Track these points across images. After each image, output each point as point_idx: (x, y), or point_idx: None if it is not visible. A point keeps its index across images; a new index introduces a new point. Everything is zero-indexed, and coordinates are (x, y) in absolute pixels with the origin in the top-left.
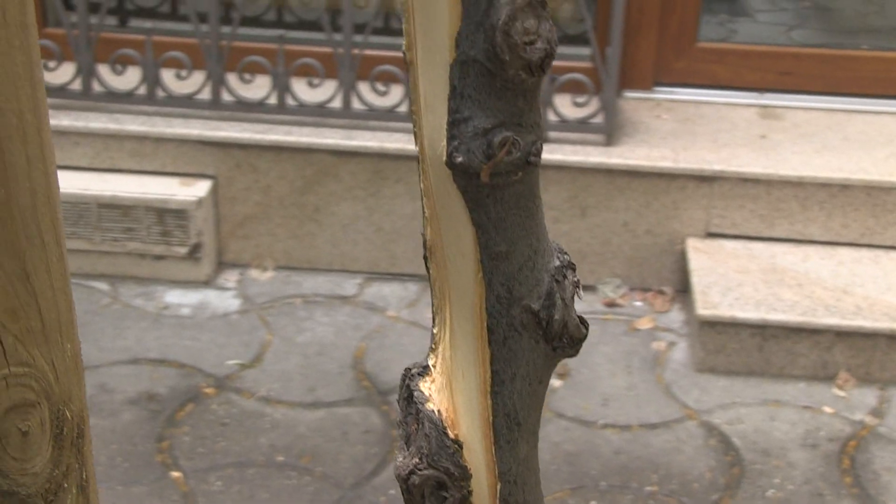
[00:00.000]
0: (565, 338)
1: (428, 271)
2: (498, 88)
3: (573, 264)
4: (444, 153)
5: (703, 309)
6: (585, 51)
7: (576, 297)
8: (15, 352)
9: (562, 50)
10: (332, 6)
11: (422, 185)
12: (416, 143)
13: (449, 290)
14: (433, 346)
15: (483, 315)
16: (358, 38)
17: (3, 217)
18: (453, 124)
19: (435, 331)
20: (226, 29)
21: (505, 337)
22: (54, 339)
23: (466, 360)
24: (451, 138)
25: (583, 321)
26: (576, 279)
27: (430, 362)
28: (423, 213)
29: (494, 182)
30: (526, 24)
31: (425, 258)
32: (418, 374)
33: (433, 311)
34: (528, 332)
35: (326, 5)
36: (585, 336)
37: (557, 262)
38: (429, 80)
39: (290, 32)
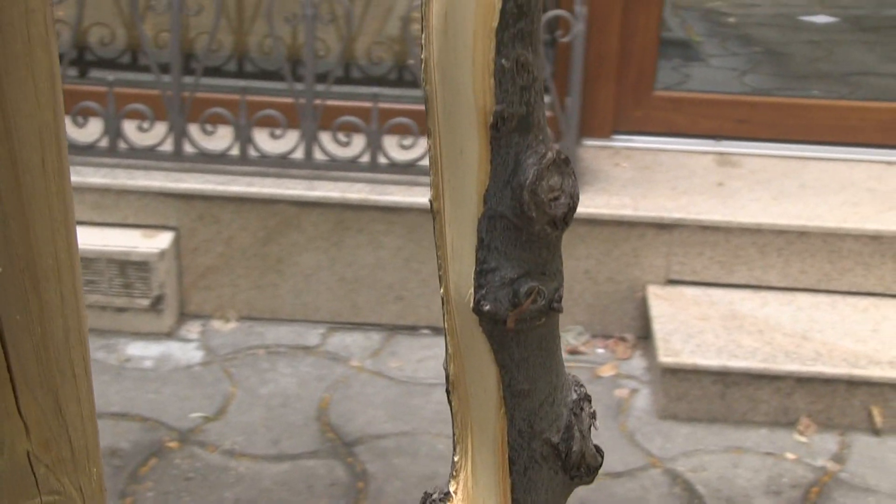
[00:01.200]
0: (583, 467)
1: (450, 403)
2: (524, 241)
3: (589, 396)
4: (472, 300)
5: (665, 356)
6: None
7: (592, 429)
8: (47, 481)
9: None
10: (292, 56)
11: (446, 325)
12: (441, 286)
13: (471, 423)
14: (454, 473)
15: (505, 447)
16: (320, 87)
17: (39, 355)
18: (481, 274)
19: (456, 459)
20: (188, 79)
21: (525, 468)
22: (82, 465)
23: (488, 489)
24: (478, 287)
25: (598, 450)
26: (592, 411)
27: (451, 489)
28: (447, 349)
29: (519, 327)
30: (551, 182)
31: (448, 391)
32: (439, 500)
33: (454, 440)
34: (548, 464)
35: (287, 55)
36: (601, 464)
37: (575, 396)
38: (456, 230)
39: (251, 83)
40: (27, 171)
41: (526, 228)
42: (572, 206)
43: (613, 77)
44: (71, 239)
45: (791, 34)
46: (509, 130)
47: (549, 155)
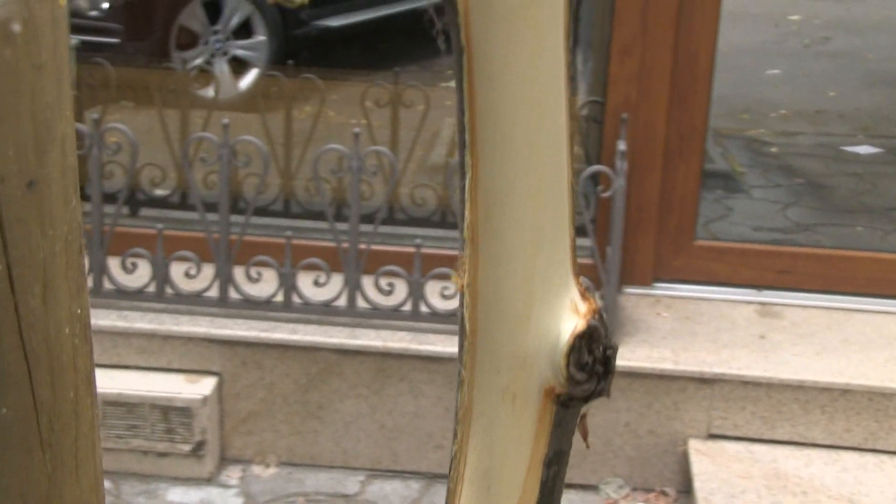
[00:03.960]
0: None
1: None
2: None
3: None
4: None
5: None
6: (584, 241)
7: None
8: None
9: None
10: (337, 198)
11: None
12: None
13: None
14: None
15: None
16: (365, 227)
17: None
18: None
19: None
20: (235, 217)
21: None
22: None
23: None
24: None
25: None
26: None
27: None
28: None
29: None
30: None
31: None
32: None
33: None
34: None
35: (331, 198)
36: None
37: None
38: None
39: (296, 222)
40: None
41: None
42: None
43: (654, 226)
44: None
45: (834, 165)
46: None
47: None
